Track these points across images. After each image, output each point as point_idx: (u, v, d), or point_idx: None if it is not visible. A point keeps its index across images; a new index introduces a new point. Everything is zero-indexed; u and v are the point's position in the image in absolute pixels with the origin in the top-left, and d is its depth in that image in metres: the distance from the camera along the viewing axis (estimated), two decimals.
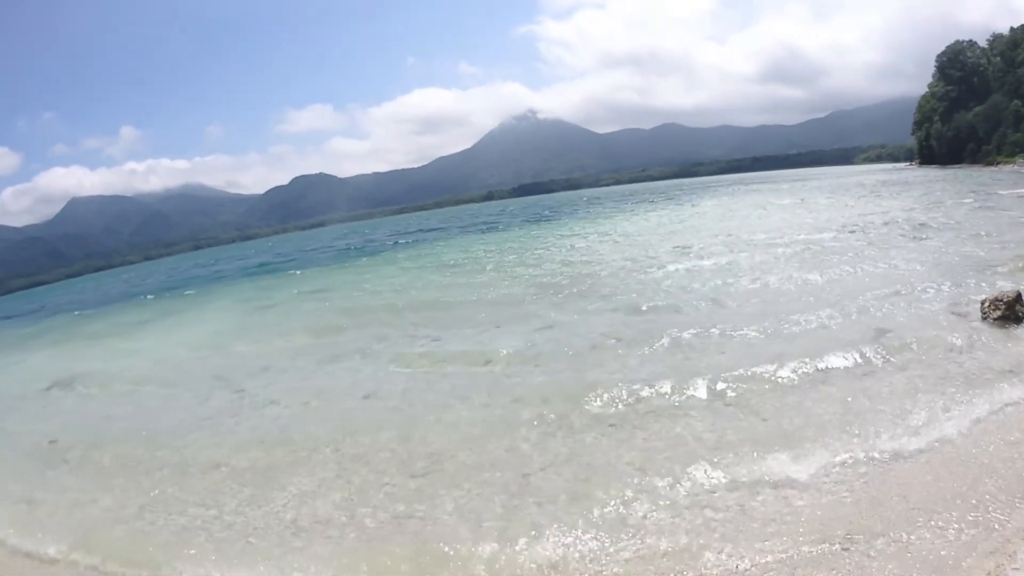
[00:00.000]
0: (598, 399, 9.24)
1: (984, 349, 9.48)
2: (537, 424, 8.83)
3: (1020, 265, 14.70)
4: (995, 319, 10.36)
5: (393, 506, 7.15)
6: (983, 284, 13.05)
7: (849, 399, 8.30)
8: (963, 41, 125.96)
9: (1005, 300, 10.46)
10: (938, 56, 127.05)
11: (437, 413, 9.75)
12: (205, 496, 8.14)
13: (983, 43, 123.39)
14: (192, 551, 6.82)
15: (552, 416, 8.99)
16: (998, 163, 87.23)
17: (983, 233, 20.04)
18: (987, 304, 10.68)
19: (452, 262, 30.96)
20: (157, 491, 8.54)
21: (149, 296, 42.29)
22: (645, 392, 9.27)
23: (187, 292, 39.86)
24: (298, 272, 39.46)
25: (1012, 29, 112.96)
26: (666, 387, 9.34)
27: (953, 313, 11.31)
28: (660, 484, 6.81)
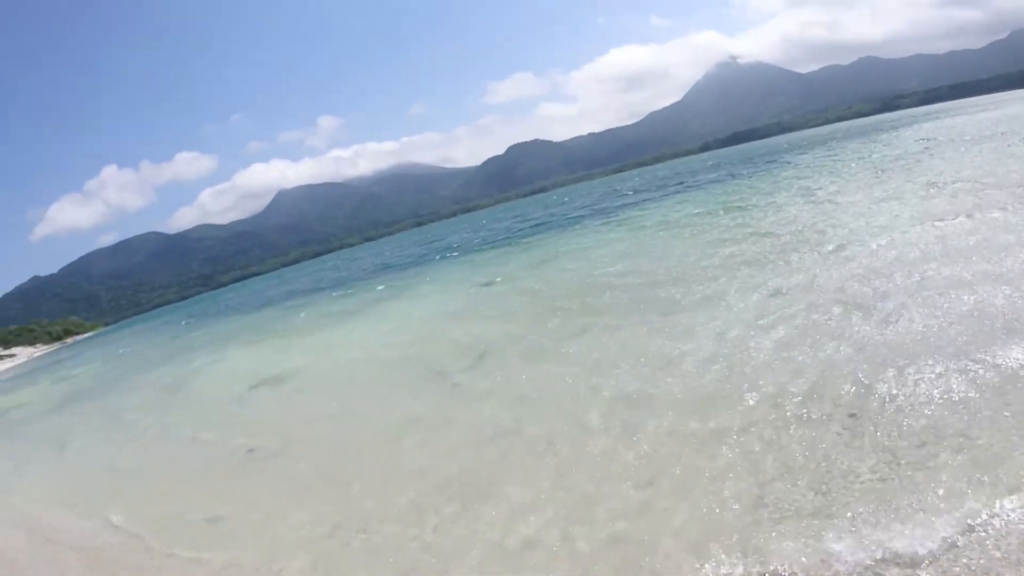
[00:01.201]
0: None
1: None
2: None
3: None
4: None
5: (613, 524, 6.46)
6: None
7: None
8: None
9: None
10: None
11: (669, 407, 8.69)
12: (406, 511, 7.90)
13: None
14: None
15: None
16: None
17: None
18: None
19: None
20: (354, 505, 8.44)
21: (358, 281, 43.45)
22: None
23: (401, 274, 40.40)
24: (514, 245, 38.51)
25: None
26: None
27: None
28: None
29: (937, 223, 14.78)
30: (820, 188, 27.64)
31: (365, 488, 8.82)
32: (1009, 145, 27.42)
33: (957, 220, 14.55)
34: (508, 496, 7.53)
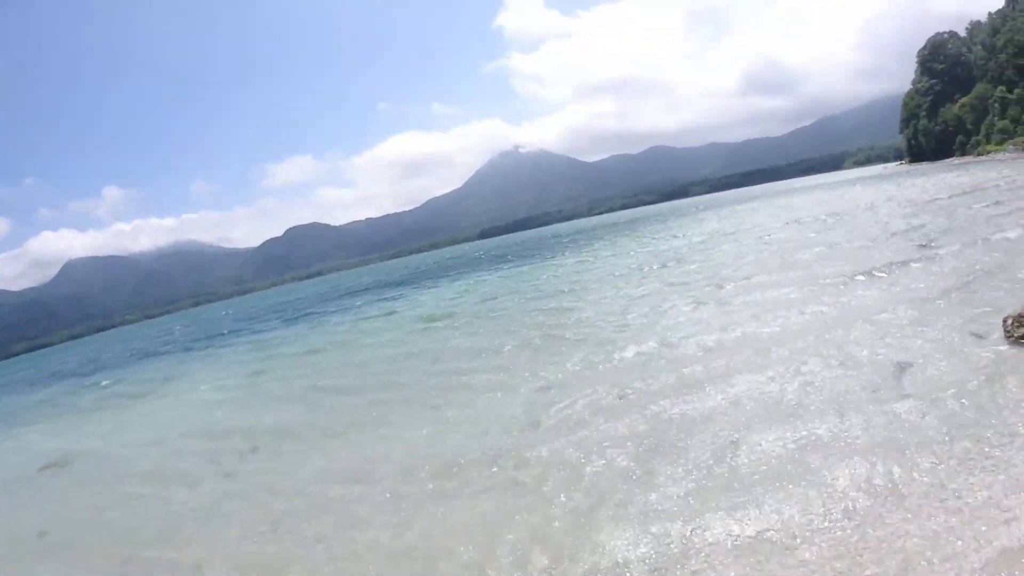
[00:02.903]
0: None
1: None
2: None
3: None
4: (1020, 338, 9.45)
5: None
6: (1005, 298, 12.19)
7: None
8: (943, 33, 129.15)
9: None
10: (919, 51, 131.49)
11: (456, 503, 8.87)
12: None
13: (962, 32, 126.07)
14: None
15: None
16: (987, 152, 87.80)
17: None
18: (1010, 322, 9.87)
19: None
20: None
21: (143, 362, 41.80)
22: None
23: (184, 356, 39.56)
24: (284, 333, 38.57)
25: (990, 15, 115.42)
26: None
27: (972, 335, 10.47)
28: None
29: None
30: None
31: None
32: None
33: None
34: None
